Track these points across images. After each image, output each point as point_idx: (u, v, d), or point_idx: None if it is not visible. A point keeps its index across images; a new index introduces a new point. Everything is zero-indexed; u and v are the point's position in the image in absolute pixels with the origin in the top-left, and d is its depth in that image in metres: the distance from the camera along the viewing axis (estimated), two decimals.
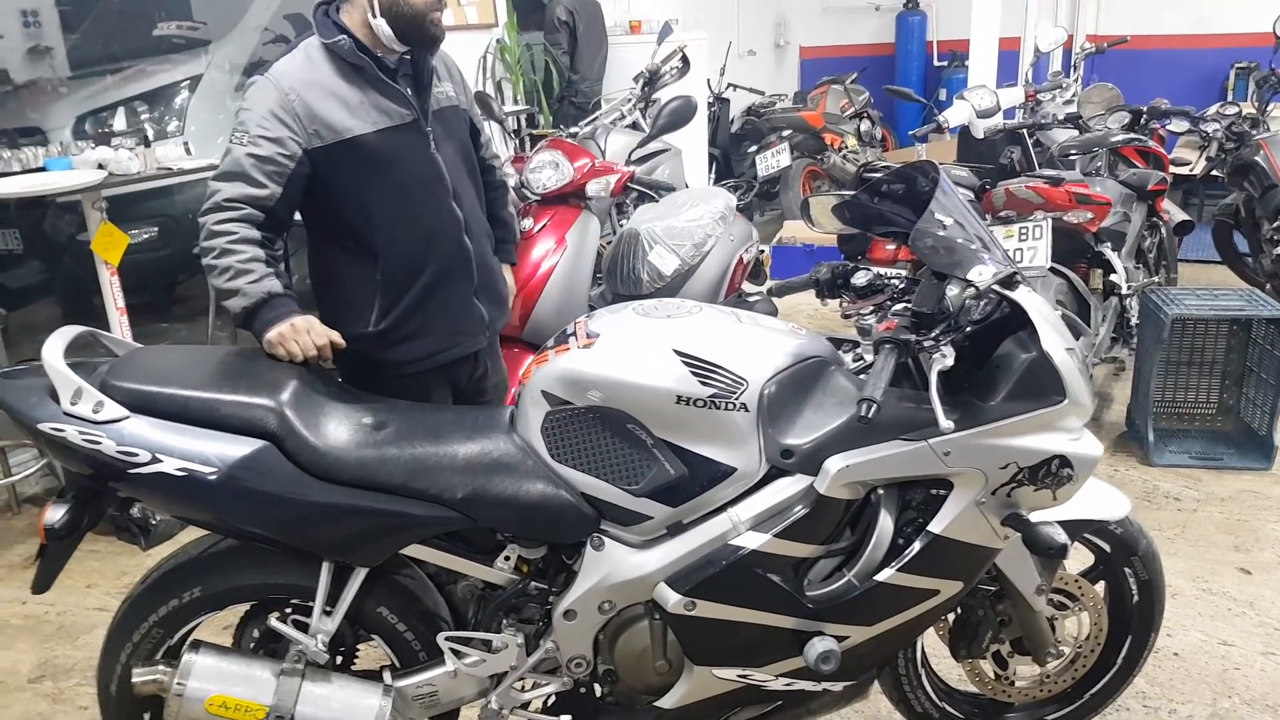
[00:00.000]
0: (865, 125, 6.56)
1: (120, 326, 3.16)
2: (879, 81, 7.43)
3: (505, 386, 2.38)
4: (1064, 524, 1.78)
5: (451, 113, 2.09)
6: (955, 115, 4.20)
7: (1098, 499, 1.90)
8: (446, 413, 1.79)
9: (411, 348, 2.05)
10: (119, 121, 3.89)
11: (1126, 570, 1.95)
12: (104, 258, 3.01)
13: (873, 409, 1.44)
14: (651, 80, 4.49)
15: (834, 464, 1.57)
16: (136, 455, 1.49)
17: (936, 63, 8.28)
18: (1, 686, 2.40)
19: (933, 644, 2.03)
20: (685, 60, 4.54)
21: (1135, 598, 1.97)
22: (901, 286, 1.78)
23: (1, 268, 4.24)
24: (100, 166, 2.98)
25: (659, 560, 1.62)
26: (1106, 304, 3.47)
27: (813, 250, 5.52)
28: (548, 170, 2.93)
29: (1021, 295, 1.58)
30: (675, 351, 1.59)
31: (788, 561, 1.62)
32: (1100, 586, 2.00)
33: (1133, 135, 3.82)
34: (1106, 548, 1.94)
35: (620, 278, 3.38)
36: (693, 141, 5.82)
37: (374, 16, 1.89)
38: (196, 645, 1.63)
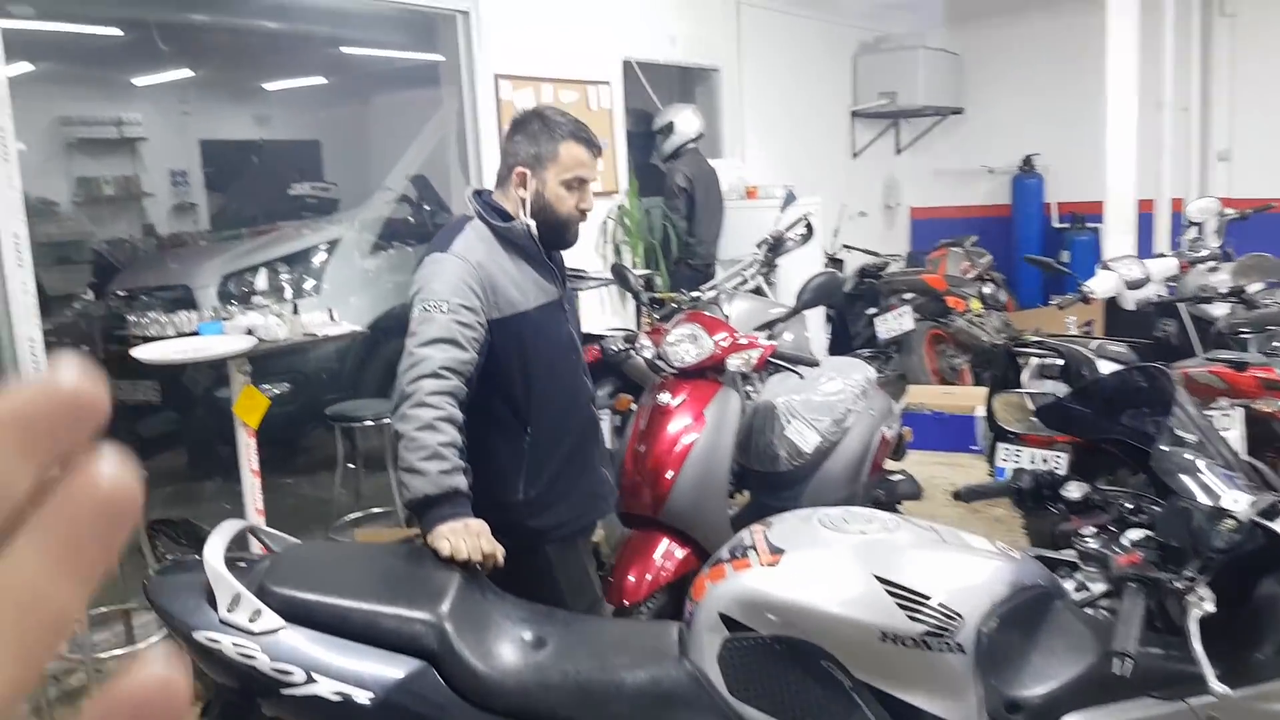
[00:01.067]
0: (989, 289, 6.40)
1: (253, 490, 3.14)
2: (994, 243, 7.31)
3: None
4: None
5: (572, 295, 2.30)
6: (1100, 285, 4.01)
7: None
8: (608, 628, 1.63)
9: (557, 513, 2.08)
10: (260, 281, 4.04)
11: None
12: (244, 420, 3.02)
13: (1127, 666, 1.22)
14: (775, 246, 4.46)
15: None
16: (291, 674, 1.37)
17: (1056, 224, 8.15)
18: None
19: None
20: (809, 227, 4.51)
21: None
22: (1130, 506, 1.57)
23: (138, 417, 4.36)
24: (250, 332, 3.05)
25: None
26: None
27: (944, 419, 5.27)
28: (686, 344, 2.85)
29: None
30: (878, 578, 1.41)
31: None
32: None
33: None
34: None
35: (755, 453, 3.22)
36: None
37: (525, 215, 2.03)
38: None
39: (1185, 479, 1.39)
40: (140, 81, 7.16)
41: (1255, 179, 7.12)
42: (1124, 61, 5.46)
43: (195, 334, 3.13)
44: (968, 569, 1.47)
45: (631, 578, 2.68)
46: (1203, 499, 1.37)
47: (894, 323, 5.75)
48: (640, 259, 5.30)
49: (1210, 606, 1.31)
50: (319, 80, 7.77)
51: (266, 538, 1.64)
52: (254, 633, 1.38)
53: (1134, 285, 3.92)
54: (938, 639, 1.37)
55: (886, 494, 3.56)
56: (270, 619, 1.39)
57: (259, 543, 1.62)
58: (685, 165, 5.45)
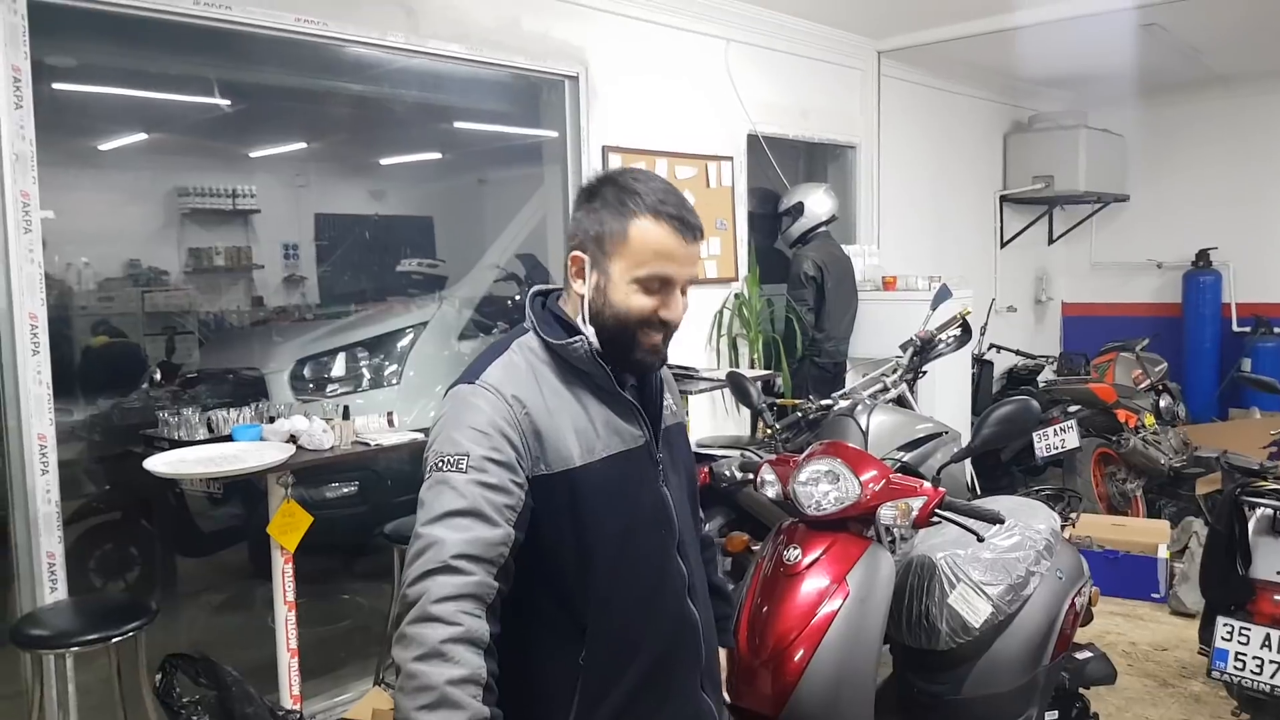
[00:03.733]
0: (1165, 401, 5.49)
1: (286, 624, 2.62)
2: (1161, 348, 6.38)
3: None
4: None
5: (677, 432, 1.61)
6: None
7: None
8: None
9: None
10: (338, 368, 3.61)
11: None
12: (280, 541, 2.52)
13: None
14: (924, 348, 3.78)
15: None
16: None
17: (1236, 328, 7.12)
18: None
19: None
20: (966, 327, 3.83)
21: None
22: None
23: (201, 511, 3.99)
24: (292, 438, 2.56)
25: None
26: None
27: (1117, 558, 4.38)
28: (825, 484, 2.19)
29: None
30: None
31: None
32: None
33: None
34: None
35: (907, 624, 2.50)
36: (957, 411, 4.99)
37: (583, 323, 1.43)
38: None
39: None
40: (256, 154, 7.13)
41: None
42: None
43: (229, 438, 2.66)
44: None
45: None
46: None
47: (1056, 439, 4.90)
48: (759, 355, 4.68)
49: None
50: (433, 155, 7.62)
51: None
52: None
53: None
54: None
55: (1072, 678, 2.77)
56: None
57: None
58: (814, 251, 4.85)
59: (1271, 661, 2.62)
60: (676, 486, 1.54)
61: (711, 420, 4.56)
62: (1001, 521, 2.22)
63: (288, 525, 2.52)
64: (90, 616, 2.37)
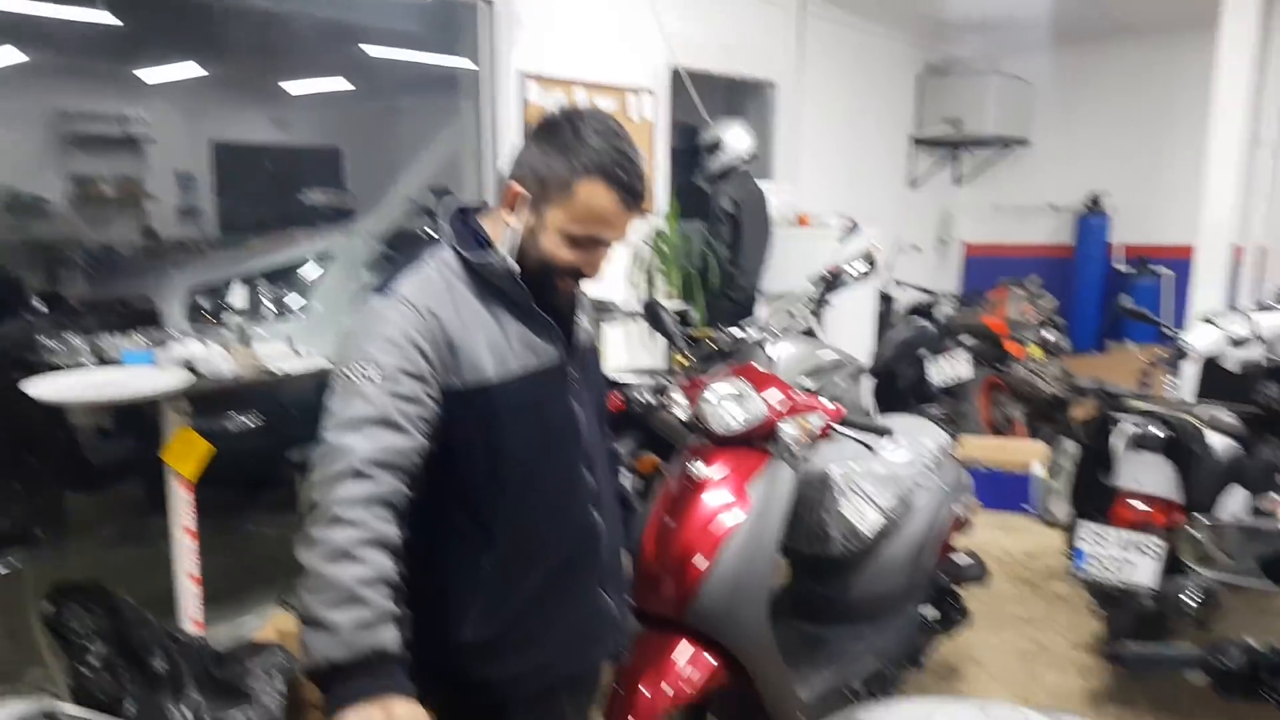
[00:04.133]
0: (1051, 335, 5.78)
1: (185, 552, 2.58)
2: (1052, 283, 6.70)
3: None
4: None
5: (591, 354, 1.66)
6: (1202, 341, 3.42)
7: None
8: None
9: (525, 659, 1.48)
10: (237, 297, 3.49)
11: None
12: (178, 469, 2.47)
13: None
14: (833, 281, 3.88)
15: None
16: None
17: (1120, 268, 7.50)
18: None
19: None
20: (873, 261, 3.93)
21: None
22: None
23: (90, 441, 3.85)
24: (188, 365, 2.48)
25: None
26: None
27: (996, 476, 4.66)
28: (731, 404, 2.26)
29: None
30: None
31: None
32: None
33: None
34: None
35: (803, 532, 2.62)
36: (859, 343, 5.16)
37: (507, 252, 1.45)
38: None
39: None
40: (149, 76, 6.73)
41: None
42: (1233, 98, 4.88)
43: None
44: None
45: (644, 690, 2.08)
46: None
47: (949, 368, 5.13)
48: (676, 289, 4.73)
49: None
50: (342, 83, 7.32)
51: None
52: None
53: (1237, 343, 3.33)
54: None
55: (949, 577, 2.96)
56: None
57: None
58: (732, 187, 4.89)
59: (1125, 560, 2.85)
60: (588, 404, 1.57)
61: (627, 352, 4.61)
62: (891, 434, 2.34)
63: (185, 453, 2.47)
64: None
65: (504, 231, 1.43)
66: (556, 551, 1.49)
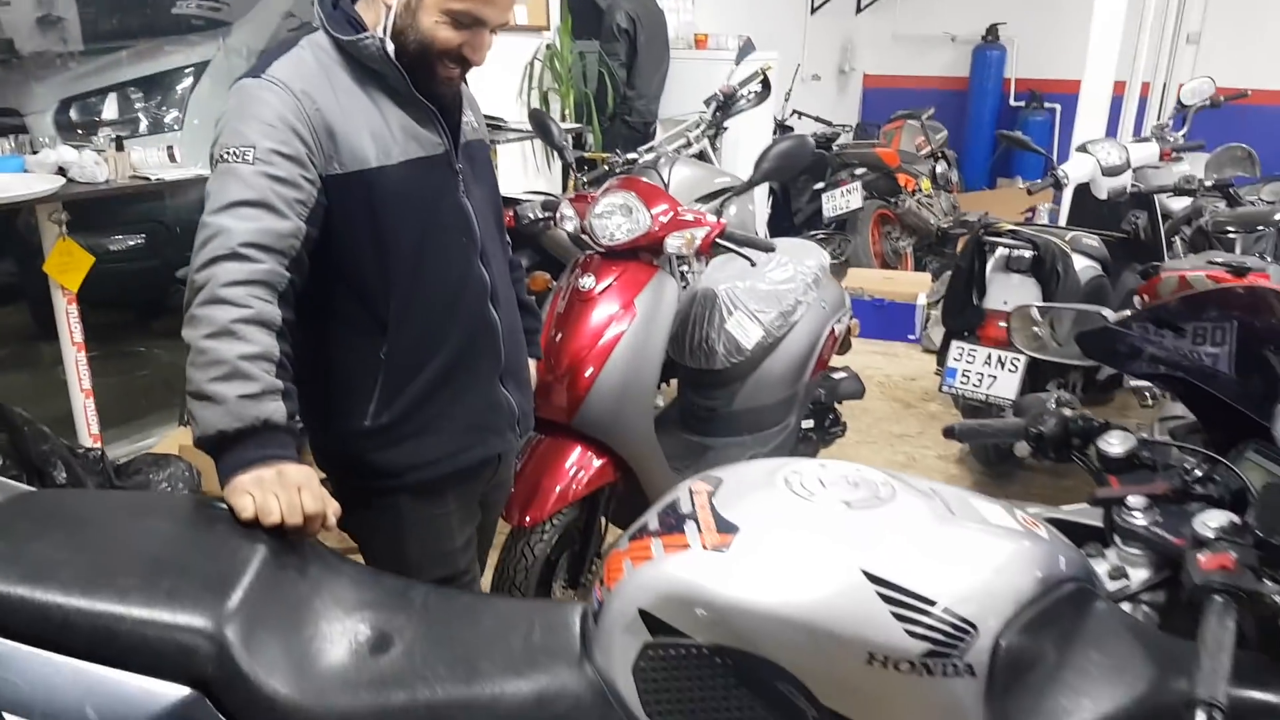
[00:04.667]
0: (941, 167, 5.96)
1: (76, 364, 2.57)
2: (947, 118, 6.84)
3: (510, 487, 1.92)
4: None
5: (478, 149, 1.62)
6: (1076, 170, 3.60)
7: None
8: (483, 616, 1.18)
9: (418, 448, 1.53)
10: (109, 109, 3.30)
11: None
12: (60, 281, 2.42)
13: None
14: (726, 104, 3.89)
15: None
16: None
17: (1013, 102, 7.68)
18: None
19: None
20: (766, 83, 3.95)
21: None
22: (1200, 474, 1.18)
23: None
24: (61, 171, 2.39)
25: None
26: None
27: (883, 305, 4.91)
28: (618, 217, 2.33)
29: None
30: (867, 575, 0.98)
31: None
32: None
33: None
34: None
35: (688, 347, 2.78)
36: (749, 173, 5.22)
37: (383, 33, 1.39)
38: None
39: None
40: None
41: (1222, 65, 6.70)
42: None
43: None
44: (982, 557, 1.05)
45: (539, 488, 2.25)
46: None
47: (841, 200, 5.29)
48: (570, 111, 4.66)
49: None
50: None
51: None
52: None
53: (1110, 172, 3.53)
54: (942, 659, 0.97)
55: (828, 393, 3.19)
56: None
57: None
58: (629, 2, 4.74)
59: (989, 375, 3.12)
60: (480, 199, 1.57)
61: (523, 175, 4.57)
62: (773, 249, 2.46)
63: (66, 264, 2.42)
64: None
65: (380, 12, 1.39)
66: (452, 342, 1.53)
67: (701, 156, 3.97)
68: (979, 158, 7.75)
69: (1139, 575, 1.17)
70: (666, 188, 3.53)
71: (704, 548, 1.04)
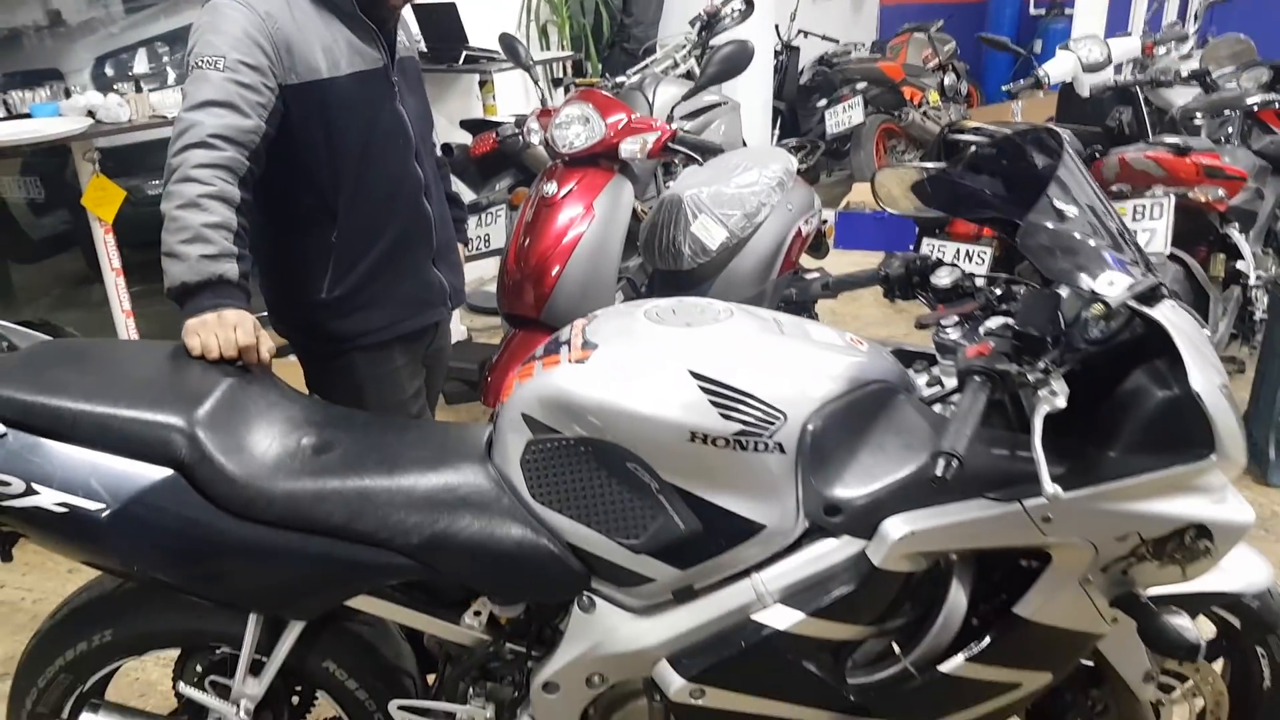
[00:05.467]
0: (950, 79, 5.99)
1: (117, 288, 2.92)
2: (967, 31, 6.80)
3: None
4: (1192, 597, 1.41)
5: (410, 64, 1.89)
6: (1057, 68, 3.68)
7: (1235, 566, 1.50)
8: (411, 432, 1.46)
9: (367, 317, 1.82)
10: (139, 64, 3.60)
11: (1259, 650, 1.56)
12: (97, 214, 2.75)
13: (953, 468, 1.07)
14: (710, 24, 4.05)
15: (895, 528, 1.21)
16: (9, 485, 1.20)
17: (1033, 10, 7.58)
18: None
19: None
20: (749, 2, 4.08)
21: (1267, 682, 1.57)
22: (999, 293, 1.39)
23: (26, 217, 4.06)
24: (90, 114, 2.71)
25: (661, 632, 1.28)
26: (1227, 294, 2.97)
27: (883, 218, 5.03)
28: (576, 126, 2.55)
29: (1164, 314, 1.18)
30: (692, 374, 1.23)
31: (827, 645, 1.27)
32: (1220, 664, 1.61)
33: (1273, 96, 3.25)
34: (1236, 623, 1.54)
35: (659, 250, 3.00)
36: (755, 94, 5.35)
37: None
38: (95, 705, 1.35)
39: (1054, 257, 1.19)
40: None
41: None
42: None
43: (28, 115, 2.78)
44: (799, 362, 1.29)
45: (509, 376, 2.53)
46: (1076, 281, 1.18)
47: (843, 115, 5.39)
48: (568, 42, 4.84)
49: (1061, 402, 1.15)
50: None
51: (11, 334, 1.44)
52: None
53: (1092, 69, 3.60)
54: (754, 438, 1.22)
55: (799, 293, 3.37)
56: None
57: (4, 340, 1.42)
58: None
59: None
60: (413, 108, 1.84)
61: (524, 103, 4.77)
62: (719, 150, 2.67)
63: (101, 198, 2.75)
64: None
65: None
66: (392, 230, 1.79)
67: (689, 77, 4.13)
68: (1001, 69, 7.67)
69: (950, 381, 1.40)
70: (651, 108, 3.74)
71: (570, 362, 1.30)
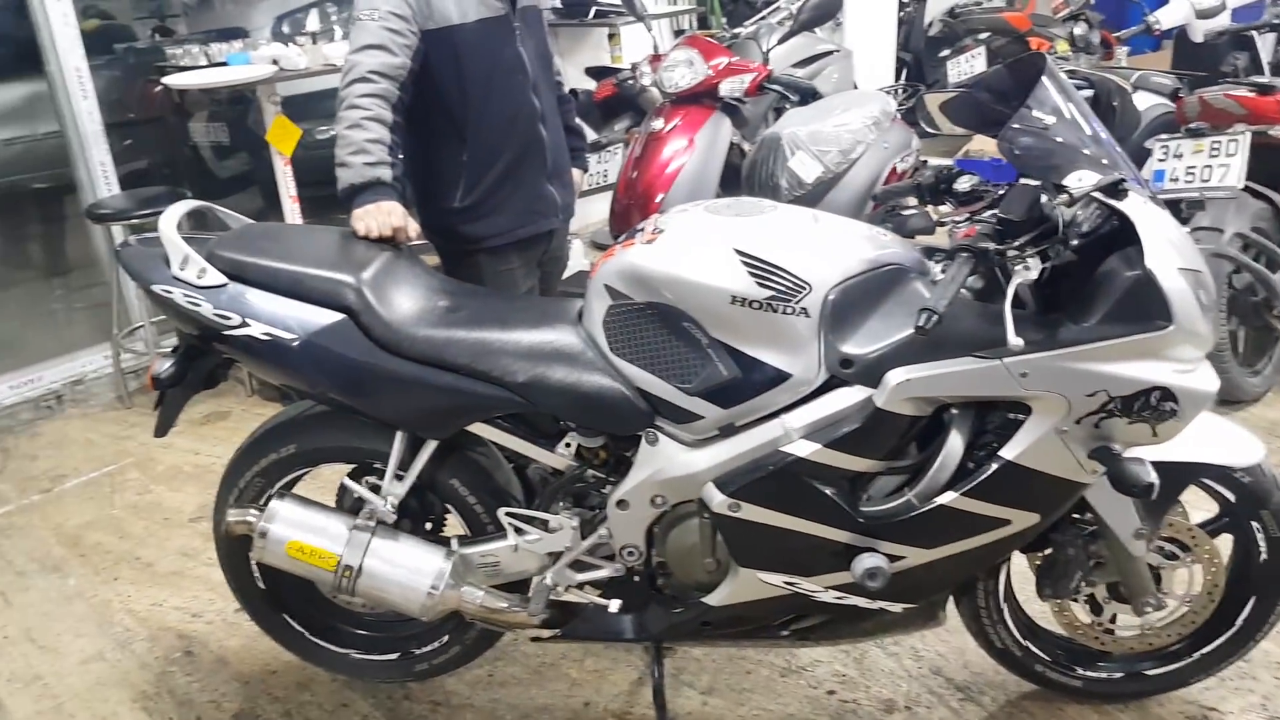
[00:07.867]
0: (1080, 29, 5.87)
1: (293, 214, 3.44)
2: None
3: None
4: (1180, 466, 1.63)
5: (532, 12, 2.24)
6: (1170, 15, 3.69)
7: (1226, 442, 1.69)
8: (520, 301, 1.84)
9: (492, 223, 2.21)
10: (312, 21, 4.15)
11: (1254, 524, 1.74)
12: (278, 149, 3.27)
13: (932, 320, 1.35)
14: None
15: (894, 377, 1.49)
16: (230, 319, 1.65)
17: None
18: (168, 522, 2.77)
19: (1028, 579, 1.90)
20: None
21: (1263, 556, 1.76)
22: (1001, 194, 1.62)
23: (212, 159, 4.72)
24: (274, 62, 3.22)
25: (708, 460, 1.61)
26: None
27: (1000, 164, 5.08)
28: (681, 69, 2.86)
29: (1130, 205, 1.40)
30: (736, 251, 1.54)
31: (841, 473, 1.57)
32: (1222, 540, 1.80)
33: None
34: (1232, 497, 1.73)
35: (759, 184, 3.28)
36: (878, 44, 5.46)
37: None
38: (284, 494, 1.80)
39: (1030, 156, 1.42)
40: None
41: None
42: None
43: (224, 64, 3.33)
44: (827, 245, 1.58)
45: None
46: (1047, 178, 1.42)
47: (965, 66, 5.43)
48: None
49: (1033, 274, 1.40)
50: None
51: (226, 217, 1.90)
52: (199, 286, 1.65)
53: (1206, 14, 3.60)
54: (784, 302, 1.52)
55: (895, 227, 3.56)
56: (214, 276, 1.66)
57: (219, 221, 1.89)
58: None
59: None
60: (532, 48, 2.21)
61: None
62: (814, 90, 2.91)
63: (282, 136, 3.26)
64: (140, 200, 3.20)
65: None
66: (511, 150, 2.18)
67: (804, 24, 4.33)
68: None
69: None
70: (766, 58, 3.98)
71: (642, 244, 1.63)
